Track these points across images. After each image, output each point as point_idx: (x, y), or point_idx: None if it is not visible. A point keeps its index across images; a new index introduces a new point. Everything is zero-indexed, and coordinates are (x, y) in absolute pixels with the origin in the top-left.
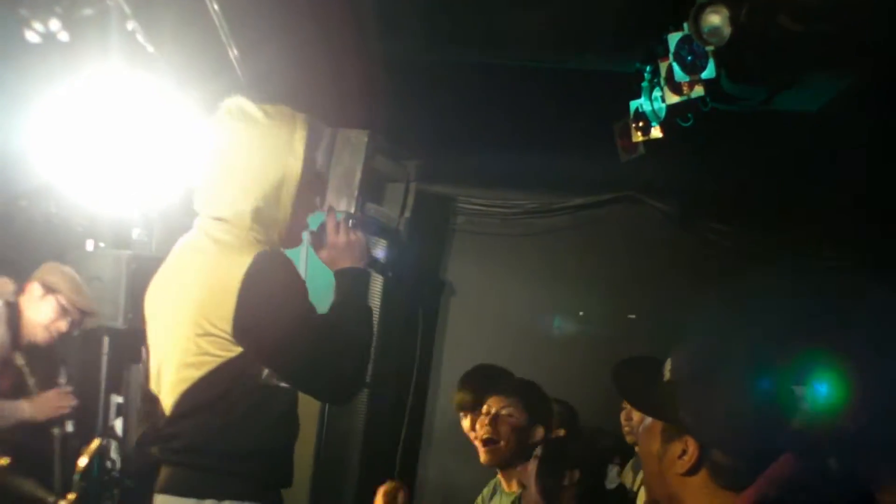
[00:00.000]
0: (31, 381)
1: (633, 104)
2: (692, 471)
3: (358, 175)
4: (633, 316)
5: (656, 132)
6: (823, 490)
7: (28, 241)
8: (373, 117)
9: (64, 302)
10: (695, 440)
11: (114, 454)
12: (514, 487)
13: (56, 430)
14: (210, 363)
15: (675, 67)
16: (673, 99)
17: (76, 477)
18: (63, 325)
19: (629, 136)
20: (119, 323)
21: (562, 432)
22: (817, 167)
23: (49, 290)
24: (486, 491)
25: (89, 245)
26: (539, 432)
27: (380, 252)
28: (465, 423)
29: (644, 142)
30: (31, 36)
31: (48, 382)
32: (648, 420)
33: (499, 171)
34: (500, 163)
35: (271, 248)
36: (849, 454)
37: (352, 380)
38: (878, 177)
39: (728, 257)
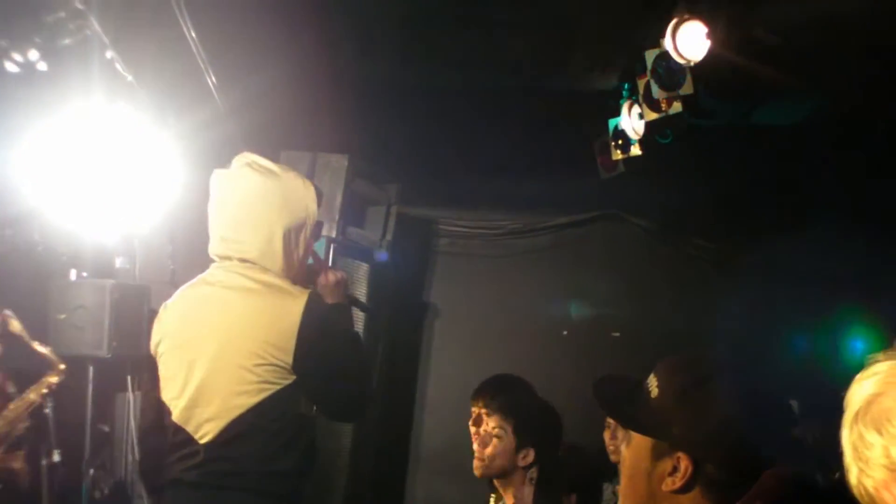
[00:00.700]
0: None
1: (612, 122)
2: (685, 488)
3: (339, 199)
4: (618, 334)
5: (636, 150)
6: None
7: (12, 270)
8: (353, 141)
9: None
10: (688, 456)
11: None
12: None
13: (43, 461)
14: (268, 390)
15: (653, 84)
16: (651, 116)
17: None
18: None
19: (609, 154)
20: (103, 352)
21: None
22: (796, 181)
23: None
24: None
25: (73, 274)
26: (529, 455)
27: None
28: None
29: (623, 159)
30: (10, 66)
31: (37, 410)
32: (635, 437)
33: (479, 193)
34: (480, 184)
35: (316, 290)
36: (837, 467)
37: (366, 399)
38: (856, 189)
39: (710, 272)
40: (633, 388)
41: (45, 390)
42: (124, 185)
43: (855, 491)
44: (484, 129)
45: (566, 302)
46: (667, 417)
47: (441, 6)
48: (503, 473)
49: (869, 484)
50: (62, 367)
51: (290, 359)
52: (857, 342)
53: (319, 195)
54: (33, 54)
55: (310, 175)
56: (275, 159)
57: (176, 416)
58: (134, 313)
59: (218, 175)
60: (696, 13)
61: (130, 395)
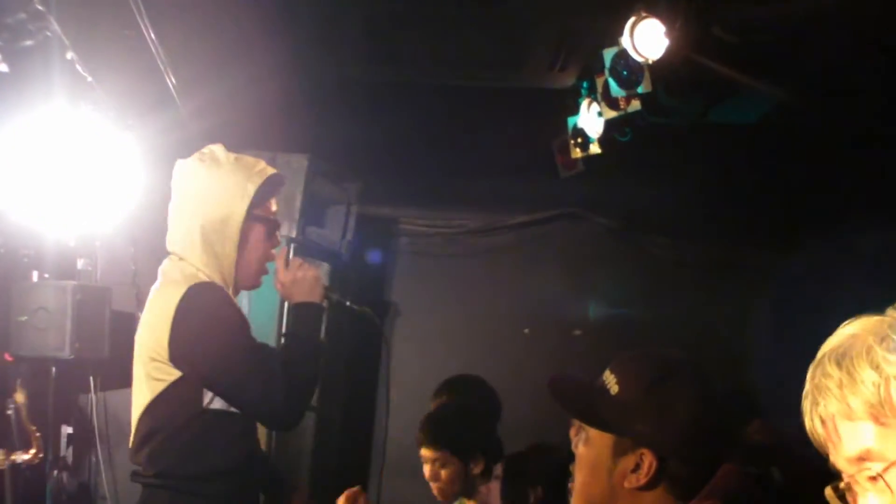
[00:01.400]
0: None
1: (571, 121)
2: (649, 485)
3: (299, 199)
4: (579, 332)
5: (595, 148)
6: (764, 499)
7: None
8: (313, 141)
9: None
10: (652, 452)
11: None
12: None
13: (6, 462)
14: (157, 387)
15: (612, 82)
16: (610, 114)
17: None
18: None
19: (568, 153)
20: (66, 353)
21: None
22: (756, 178)
23: None
24: None
25: (34, 276)
26: (479, 465)
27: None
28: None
29: (583, 158)
30: None
31: None
32: (593, 435)
33: (440, 192)
34: (441, 183)
35: (206, 281)
36: (794, 464)
37: (290, 410)
38: (816, 187)
39: (671, 270)
40: (589, 386)
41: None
42: (86, 187)
43: (809, 427)
44: (444, 128)
45: (527, 301)
46: (631, 414)
47: (401, 5)
48: (466, 490)
49: (824, 413)
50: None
51: (166, 353)
52: None
53: (275, 185)
54: None
55: None
56: None
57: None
58: (96, 315)
59: (177, 165)
60: (653, 12)
61: (93, 395)
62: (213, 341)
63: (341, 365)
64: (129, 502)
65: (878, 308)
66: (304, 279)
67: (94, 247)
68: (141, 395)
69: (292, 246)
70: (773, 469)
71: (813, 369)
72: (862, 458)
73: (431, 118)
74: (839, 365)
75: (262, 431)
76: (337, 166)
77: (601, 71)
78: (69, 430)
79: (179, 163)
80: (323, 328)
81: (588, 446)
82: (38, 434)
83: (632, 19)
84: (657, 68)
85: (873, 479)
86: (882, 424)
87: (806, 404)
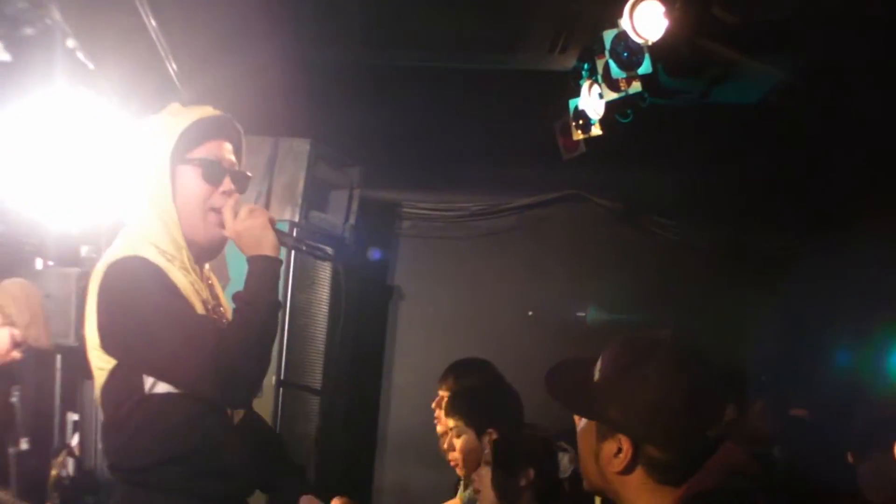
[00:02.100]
0: None
1: (573, 103)
2: (628, 469)
3: (301, 184)
4: (583, 314)
5: (596, 130)
6: (766, 477)
7: None
8: (315, 125)
9: (18, 338)
10: (627, 438)
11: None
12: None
13: (11, 449)
14: (100, 377)
15: (612, 64)
16: (611, 96)
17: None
18: (17, 355)
19: (570, 135)
20: (71, 340)
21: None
22: (758, 160)
23: (6, 320)
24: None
25: (38, 263)
26: (493, 436)
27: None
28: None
29: (585, 140)
30: None
31: (2, 400)
32: (583, 421)
33: (442, 175)
34: (443, 166)
35: (126, 257)
36: (795, 444)
37: (233, 384)
38: (816, 167)
39: (674, 251)
40: (583, 372)
41: None
42: (88, 174)
43: None
44: (445, 110)
45: (530, 283)
46: (605, 400)
47: None
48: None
49: None
50: None
51: (97, 339)
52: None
53: (206, 130)
54: None
55: (271, 160)
56: None
57: None
58: None
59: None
60: None
61: None
62: (135, 323)
63: (346, 349)
64: None
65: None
66: (252, 227)
67: (97, 234)
68: (95, 384)
69: (295, 231)
70: (774, 448)
71: None
72: None
73: (432, 101)
74: None
75: (266, 417)
76: (339, 151)
77: (601, 52)
78: (75, 417)
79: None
80: (326, 308)
81: (580, 433)
82: None
83: (631, 0)
84: (657, 49)
85: None
86: None
87: None
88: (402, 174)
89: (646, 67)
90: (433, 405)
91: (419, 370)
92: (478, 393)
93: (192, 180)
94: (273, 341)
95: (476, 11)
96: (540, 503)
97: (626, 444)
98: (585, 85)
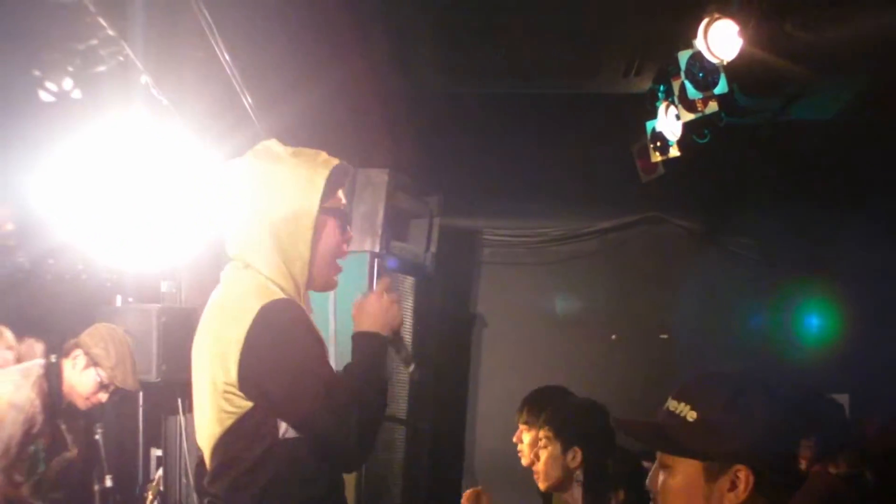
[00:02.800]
0: (69, 437)
1: (650, 125)
2: (749, 500)
3: (380, 214)
4: (666, 335)
5: (674, 151)
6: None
7: (57, 299)
8: (393, 155)
9: (105, 379)
10: (747, 468)
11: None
12: None
13: (97, 486)
14: (227, 420)
15: (688, 85)
16: (688, 116)
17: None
18: (103, 397)
19: (648, 157)
20: (153, 376)
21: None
22: (833, 175)
23: (93, 362)
24: None
25: (118, 300)
26: (577, 456)
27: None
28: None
29: (663, 161)
30: (45, 95)
31: (86, 438)
32: (680, 465)
33: (521, 201)
34: (521, 192)
35: (280, 299)
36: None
37: (361, 448)
38: (893, 179)
39: (754, 270)
40: (657, 421)
41: None
42: (166, 210)
43: None
44: (522, 136)
45: (612, 306)
46: (717, 435)
47: (475, 15)
48: (562, 483)
49: None
50: None
51: (235, 381)
52: None
53: (340, 176)
54: (67, 83)
55: (350, 191)
56: None
57: (198, 439)
58: (182, 336)
59: (226, 167)
60: (726, 12)
61: (181, 418)
62: (287, 371)
63: (430, 377)
64: None
65: None
66: (388, 312)
67: (177, 269)
68: (210, 424)
69: (376, 262)
70: (865, 471)
71: None
72: None
73: (509, 128)
74: None
75: None
76: (418, 180)
77: (677, 74)
78: (158, 452)
79: (232, 163)
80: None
81: (675, 478)
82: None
83: (705, 20)
84: (733, 68)
85: None
86: None
87: None
88: (481, 201)
89: (722, 87)
90: (514, 439)
91: (503, 396)
92: (572, 410)
93: (329, 230)
94: (383, 415)
95: (551, 38)
96: None
97: (744, 475)
98: (662, 107)
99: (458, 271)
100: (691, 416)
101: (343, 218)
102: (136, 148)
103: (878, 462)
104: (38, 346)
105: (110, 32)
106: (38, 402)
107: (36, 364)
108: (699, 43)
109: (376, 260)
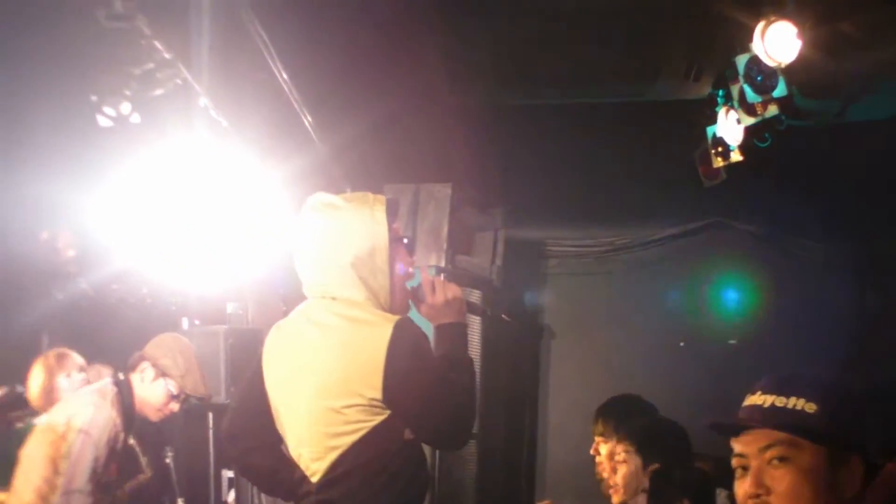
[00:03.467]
0: (143, 459)
1: (710, 130)
2: (862, 487)
3: (445, 228)
4: (734, 341)
5: (736, 155)
6: None
7: (122, 324)
8: (454, 169)
9: (174, 389)
10: (859, 457)
11: None
12: None
13: None
14: (363, 429)
15: (747, 89)
16: (749, 120)
17: None
18: (175, 407)
19: (710, 163)
20: (222, 398)
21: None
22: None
23: (161, 373)
24: None
25: (184, 323)
26: (654, 469)
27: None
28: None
29: (725, 166)
30: (103, 120)
31: (158, 459)
32: (804, 455)
33: (585, 211)
34: (585, 202)
35: (406, 317)
36: None
37: (469, 426)
38: None
39: (819, 273)
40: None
41: None
42: (229, 232)
43: None
44: (583, 146)
45: (680, 313)
46: (840, 426)
47: (531, 25)
48: (636, 495)
49: None
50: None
51: (379, 395)
52: None
53: (392, 209)
54: (125, 107)
55: (413, 206)
56: (378, 193)
57: (290, 450)
58: (249, 357)
59: (289, 225)
60: (782, 14)
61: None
62: (424, 379)
63: (500, 391)
64: None
65: None
66: (455, 299)
67: (243, 290)
68: (333, 438)
69: (442, 276)
70: None
71: None
72: None
73: (570, 137)
74: None
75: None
76: (481, 193)
77: (736, 78)
78: (230, 474)
79: (294, 221)
80: (479, 352)
81: (796, 466)
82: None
83: (761, 24)
84: (791, 71)
85: None
86: None
87: None
88: (545, 212)
89: (781, 90)
90: (592, 451)
91: (574, 407)
92: (654, 426)
93: (400, 257)
94: (475, 390)
95: (609, 46)
96: None
97: (858, 462)
98: (722, 111)
99: (525, 283)
100: (810, 407)
101: (406, 244)
102: (197, 170)
103: None
104: (106, 371)
105: (167, 56)
106: (119, 421)
107: (108, 382)
108: (756, 46)
109: (442, 274)
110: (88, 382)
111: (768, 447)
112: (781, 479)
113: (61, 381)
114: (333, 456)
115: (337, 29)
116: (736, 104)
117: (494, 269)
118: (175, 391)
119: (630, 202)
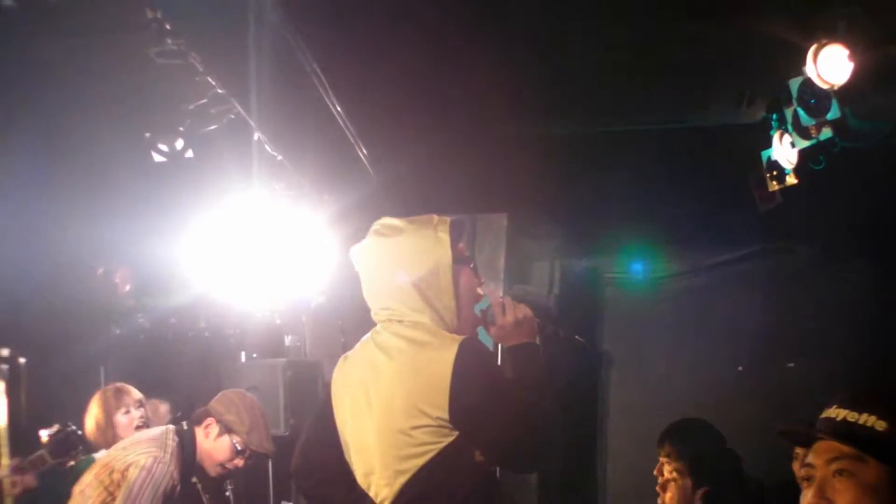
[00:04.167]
0: (205, 497)
1: (765, 154)
2: None
3: (501, 258)
4: (792, 364)
5: (791, 179)
6: None
7: (179, 358)
8: (510, 199)
9: (240, 445)
10: None
11: None
12: None
13: None
14: (431, 451)
15: (801, 112)
16: (803, 144)
17: None
18: (239, 463)
19: (765, 187)
20: (281, 430)
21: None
22: None
23: (227, 429)
24: None
25: (242, 356)
26: (699, 493)
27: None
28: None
29: (780, 190)
30: (157, 157)
31: (219, 493)
32: (867, 472)
33: (640, 237)
34: (640, 229)
35: (472, 336)
36: None
37: (543, 448)
38: None
39: (875, 295)
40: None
41: None
42: (286, 265)
43: None
44: (639, 174)
45: (738, 337)
46: None
47: (588, 55)
48: None
49: None
50: None
51: (446, 414)
52: None
53: (457, 230)
54: (179, 143)
55: (470, 237)
56: None
57: (358, 480)
58: (308, 389)
59: (353, 250)
60: (834, 37)
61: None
62: (494, 397)
63: (560, 417)
64: None
65: None
66: (526, 320)
67: (300, 322)
68: (402, 461)
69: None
70: None
71: None
72: None
73: (624, 165)
74: None
75: None
76: (537, 222)
77: (789, 101)
78: None
79: (356, 247)
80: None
81: (860, 481)
82: None
83: (813, 47)
84: (843, 93)
85: None
86: None
87: None
88: (600, 240)
89: (834, 112)
90: (655, 472)
91: (634, 433)
92: (707, 449)
93: (465, 279)
94: (553, 411)
95: (662, 73)
96: None
97: None
98: (776, 135)
99: (582, 311)
100: (880, 425)
101: (472, 268)
102: (253, 204)
103: None
104: (163, 407)
105: (219, 91)
106: (176, 475)
107: (170, 431)
108: (809, 69)
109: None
110: (146, 418)
111: (834, 459)
112: (844, 493)
113: (120, 417)
114: (403, 479)
115: (391, 60)
116: (790, 127)
117: (552, 299)
118: (240, 447)
119: (685, 228)
